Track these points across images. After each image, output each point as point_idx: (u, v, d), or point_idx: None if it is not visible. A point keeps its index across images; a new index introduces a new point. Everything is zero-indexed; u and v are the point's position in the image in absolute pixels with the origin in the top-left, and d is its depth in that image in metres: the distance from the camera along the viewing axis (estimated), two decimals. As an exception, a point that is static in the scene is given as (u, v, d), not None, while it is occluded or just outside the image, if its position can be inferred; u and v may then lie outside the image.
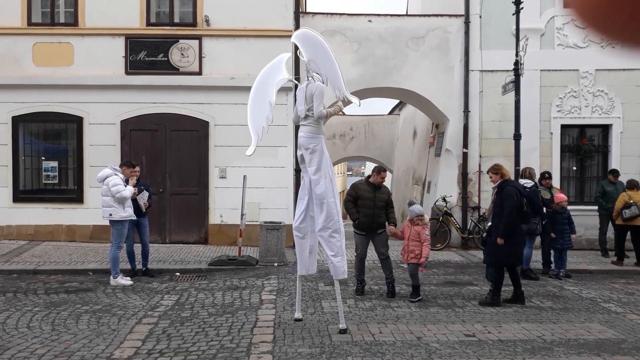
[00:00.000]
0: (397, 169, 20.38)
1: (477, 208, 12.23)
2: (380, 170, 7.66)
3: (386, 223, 7.43)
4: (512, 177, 9.95)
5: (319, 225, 5.72)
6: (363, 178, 8.71)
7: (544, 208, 9.00)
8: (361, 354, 5.05)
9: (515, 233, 6.94)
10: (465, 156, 12.29)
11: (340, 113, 6.17)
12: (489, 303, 6.92)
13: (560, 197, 9.15)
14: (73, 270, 8.89)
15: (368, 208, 7.39)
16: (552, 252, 9.19)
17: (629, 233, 10.12)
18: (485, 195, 12.17)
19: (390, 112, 23.68)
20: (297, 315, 6.13)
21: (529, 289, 7.99)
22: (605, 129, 12.49)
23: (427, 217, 7.45)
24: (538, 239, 9.43)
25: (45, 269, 8.87)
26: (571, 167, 12.64)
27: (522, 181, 8.87)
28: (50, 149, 11.75)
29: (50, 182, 11.64)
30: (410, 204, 7.42)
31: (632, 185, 10.18)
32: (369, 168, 38.25)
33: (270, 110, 5.92)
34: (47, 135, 11.82)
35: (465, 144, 12.28)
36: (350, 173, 54.09)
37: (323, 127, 5.85)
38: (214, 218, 11.37)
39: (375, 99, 14.70)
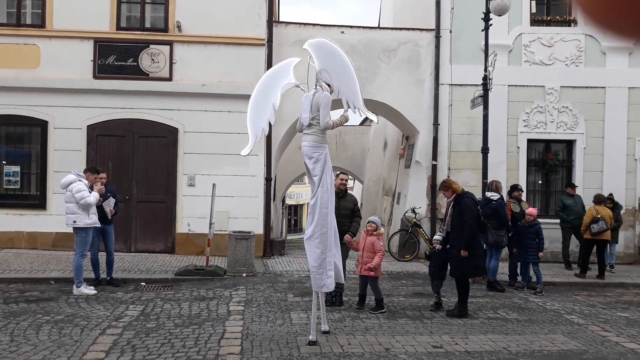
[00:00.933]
0: (368, 179, 20.50)
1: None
2: (338, 173, 7.66)
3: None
4: (480, 190, 10.15)
5: (308, 233, 5.71)
6: None
7: (510, 221, 9.14)
8: (330, 366, 5.03)
9: (475, 244, 7.03)
10: (434, 168, 12.44)
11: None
12: (456, 315, 6.98)
13: (530, 210, 9.23)
14: (34, 279, 8.61)
15: None
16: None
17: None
18: (453, 207, 12.32)
19: (361, 123, 23.83)
20: (313, 337, 5.63)
21: (495, 301, 8.11)
22: (570, 144, 12.83)
23: (382, 229, 7.52)
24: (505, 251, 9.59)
25: (5, 277, 8.57)
26: (537, 180, 12.93)
27: (488, 194, 9.04)
28: (13, 152, 11.41)
29: (11, 187, 11.29)
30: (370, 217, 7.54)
31: (599, 200, 10.42)
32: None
33: (273, 112, 5.92)
34: (10, 138, 11.49)
35: (435, 156, 12.43)
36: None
37: (327, 137, 5.82)
38: (182, 227, 11.20)
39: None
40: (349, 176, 26.15)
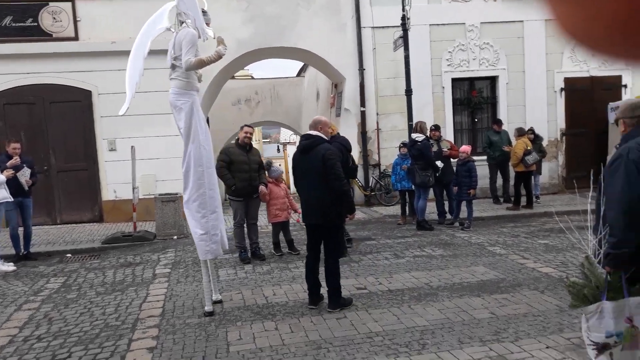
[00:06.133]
0: (306, 131, 20.30)
1: (378, 165, 12.46)
2: (243, 126, 7.39)
3: (260, 185, 7.26)
4: (407, 133, 10.21)
5: (185, 197, 5.22)
6: (233, 142, 8.14)
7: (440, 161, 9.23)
8: (252, 317, 5.00)
9: None
10: (363, 114, 12.40)
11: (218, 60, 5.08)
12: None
13: (464, 148, 9.21)
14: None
15: (243, 172, 7.10)
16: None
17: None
18: (384, 153, 12.42)
19: (298, 75, 23.40)
20: (209, 308, 5.18)
21: (422, 239, 8.29)
22: (493, 80, 13.04)
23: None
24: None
25: None
26: (463, 119, 13.13)
27: (414, 135, 9.09)
28: None
29: None
30: (269, 164, 7.47)
31: (521, 132, 10.69)
32: (283, 134, 37.75)
33: (142, 63, 5.27)
34: None
35: (363, 103, 12.37)
36: (267, 140, 52.82)
37: (196, 81, 5.24)
38: (108, 194, 10.78)
39: (281, 60, 14.35)
40: (290, 131, 25.90)
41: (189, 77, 5.12)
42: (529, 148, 10.35)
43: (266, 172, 7.61)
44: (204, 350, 4.29)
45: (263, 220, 8.75)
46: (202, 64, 5.06)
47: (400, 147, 9.75)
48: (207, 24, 5.30)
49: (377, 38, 12.27)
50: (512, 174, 10.98)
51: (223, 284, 6.17)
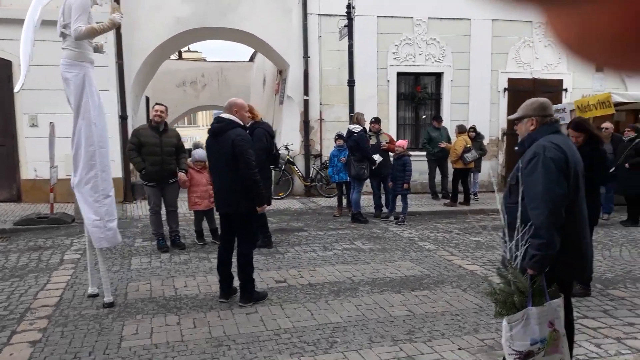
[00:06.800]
0: (250, 118, 19.83)
1: (319, 156, 12.20)
2: (154, 104, 6.86)
3: (177, 170, 6.82)
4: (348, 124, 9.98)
5: (75, 179, 4.75)
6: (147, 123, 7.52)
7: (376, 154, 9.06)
8: (154, 310, 4.62)
9: (262, 176, 6.60)
10: (306, 103, 12.10)
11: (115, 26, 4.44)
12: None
13: (400, 142, 9.10)
14: None
15: (155, 155, 6.60)
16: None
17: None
18: (326, 143, 12.16)
19: (251, 60, 22.82)
20: (92, 290, 4.98)
21: (355, 232, 8.09)
22: (438, 76, 12.99)
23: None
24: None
25: None
26: (407, 114, 13.03)
27: (350, 126, 8.87)
28: None
29: None
30: (195, 146, 7.05)
31: (462, 129, 10.68)
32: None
33: (33, 34, 4.73)
34: None
35: (306, 91, 12.07)
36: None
37: (90, 52, 4.74)
38: (27, 172, 10.06)
39: (235, 44, 13.79)
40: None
41: (81, 47, 4.64)
42: (468, 146, 10.33)
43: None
44: (93, 346, 3.89)
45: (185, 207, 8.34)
46: (93, 32, 4.59)
47: (335, 139, 9.51)
48: None
49: (323, 26, 11.97)
50: (450, 170, 10.93)
51: (133, 274, 5.75)
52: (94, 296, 4.93)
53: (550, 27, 0.41)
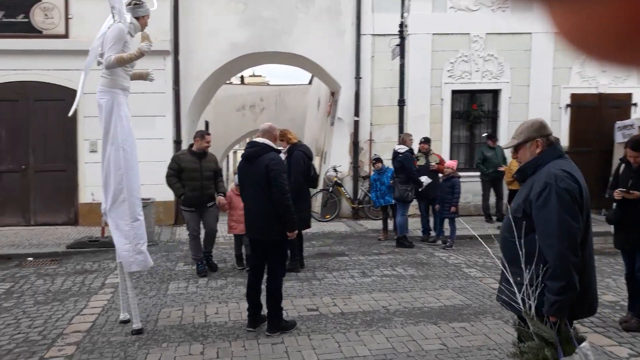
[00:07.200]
0: (307, 140, 19.95)
1: (368, 177, 11.98)
2: (204, 134, 6.88)
3: (215, 194, 6.85)
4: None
5: (108, 205, 4.80)
6: (186, 148, 7.52)
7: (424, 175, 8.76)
8: (181, 338, 4.58)
9: (300, 199, 6.41)
10: (356, 124, 11.96)
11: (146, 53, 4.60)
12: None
13: (450, 163, 8.76)
14: None
15: (195, 180, 6.66)
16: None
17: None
18: (378, 164, 11.93)
19: (310, 83, 23.06)
20: (123, 316, 5.02)
21: (398, 257, 7.80)
22: (495, 94, 12.49)
23: None
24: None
25: None
26: (461, 133, 12.59)
27: (396, 147, 8.64)
28: None
29: None
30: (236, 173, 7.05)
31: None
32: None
33: (91, 62, 4.95)
34: None
35: (357, 112, 11.93)
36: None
37: (122, 79, 4.79)
38: (85, 197, 10.47)
39: (290, 68, 13.95)
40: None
41: (113, 74, 4.75)
42: (525, 165, 9.80)
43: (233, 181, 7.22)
44: (112, 374, 3.89)
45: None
46: (121, 61, 4.66)
47: (373, 163, 9.27)
48: (137, 18, 4.92)
49: (376, 46, 11.83)
50: (506, 191, 10.40)
51: (168, 299, 5.77)
52: (125, 322, 4.96)
53: (551, 21, 0.41)
